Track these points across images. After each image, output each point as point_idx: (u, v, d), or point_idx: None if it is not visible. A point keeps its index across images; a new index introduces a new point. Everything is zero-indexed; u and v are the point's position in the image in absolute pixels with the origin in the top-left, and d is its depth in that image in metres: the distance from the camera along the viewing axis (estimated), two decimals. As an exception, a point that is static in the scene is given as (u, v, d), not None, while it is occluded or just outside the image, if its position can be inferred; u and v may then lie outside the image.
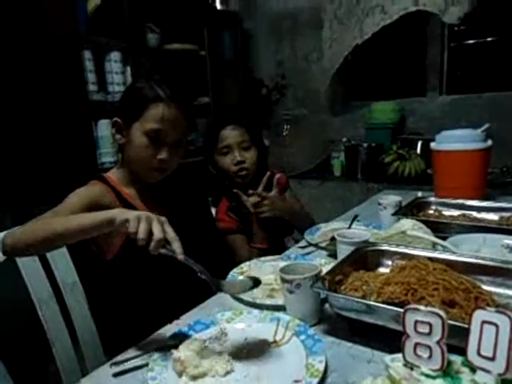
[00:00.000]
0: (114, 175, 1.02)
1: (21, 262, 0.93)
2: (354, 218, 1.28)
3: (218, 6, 2.71)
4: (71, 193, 0.91)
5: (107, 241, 0.93)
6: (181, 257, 0.65)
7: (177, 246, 0.65)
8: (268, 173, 1.32)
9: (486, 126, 1.40)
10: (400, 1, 2.32)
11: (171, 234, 0.66)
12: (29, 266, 0.94)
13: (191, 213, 1.17)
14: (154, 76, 1.03)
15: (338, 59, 2.62)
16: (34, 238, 0.74)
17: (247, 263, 1.04)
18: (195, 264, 0.68)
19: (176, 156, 1.00)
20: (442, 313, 0.47)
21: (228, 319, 0.77)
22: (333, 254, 1.03)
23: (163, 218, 0.67)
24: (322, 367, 0.60)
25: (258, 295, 0.87)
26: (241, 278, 0.96)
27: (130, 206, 0.98)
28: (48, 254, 0.99)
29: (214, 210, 1.40)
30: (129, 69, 2.05)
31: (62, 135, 1.85)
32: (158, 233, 0.64)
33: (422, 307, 0.49)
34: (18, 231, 0.78)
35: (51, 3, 1.77)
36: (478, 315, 0.46)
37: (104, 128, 1.88)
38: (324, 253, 1.10)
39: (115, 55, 1.99)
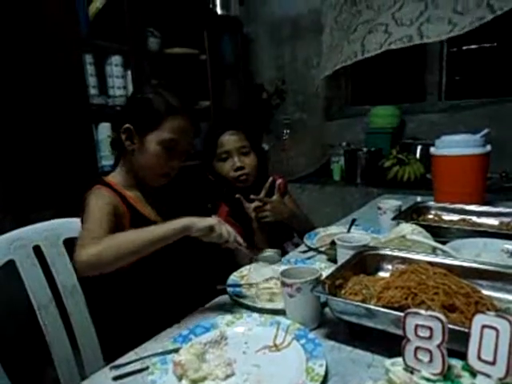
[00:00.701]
0: (114, 179, 1.03)
1: (21, 265, 0.93)
2: (352, 221, 1.29)
3: (219, 10, 2.72)
4: (92, 203, 0.90)
5: None
6: (245, 245, 0.88)
7: (240, 239, 0.88)
8: (270, 178, 1.32)
9: (486, 131, 1.41)
10: (404, 27, 2.29)
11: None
12: (29, 270, 0.94)
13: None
14: (159, 82, 1.07)
15: (335, 66, 2.61)
16: (115, 255, 0.76)
17: (247, 267, 1.04)
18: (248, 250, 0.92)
19: (181, 164, 1.05)
20: (442, 317, 0.47)
21: (228, 323, 0.77)
22: (332, 259, 1.03)
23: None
24: (322, 371, 0.60)
25: (258, 299, 0.87)
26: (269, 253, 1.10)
27: (133, 209, 0.99)
28: (48, 258, 0.99)
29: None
30: (129, 73, 2.06)
31: (62, 138, 1.85)
32: (232, 231, 0.85)
33: (422, 311, 0.49)
34: (95, 251, 0.75)
35: (52, 7, 1.78)
36: (478, 319, 0.47)
37: (104, 131, 1.88)
38: (324, 257, 1.10)
39: (116, 59, 1.99)
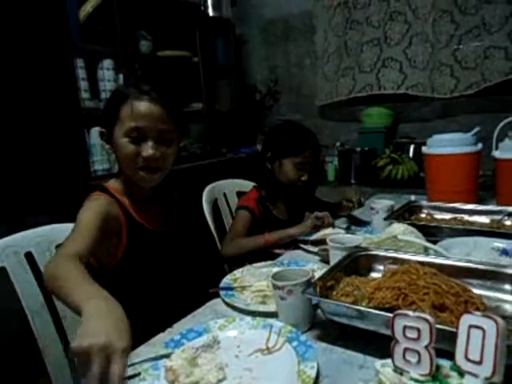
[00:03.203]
0: (113, 185, 1.02)
1: (12, 272, 0.92)
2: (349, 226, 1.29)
3: (211, 12, 2.72)
4: (81, 211, 0.89)
5: (109, 254, 0.93)
6: None
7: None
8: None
9: (477, 129, 1.42)
10: (418, 71, 2.48)
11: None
12: (20, 276, 0.93)
13: (188, 224, 1.18)
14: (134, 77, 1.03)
15: (349, 93, 2.73)
16: (50, 288, 0.72)
17: (240, 270, 1.04)
18: None
19: (166, 155, 0.96)
20: (429, 318, 0.48)
21: (221, 327, 0.77)
22: (326, 260, 1.04)
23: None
24: (313, 374, 0.60)
25: (250, 302, 0.87)
26: None
27: (129, 215, 0.98)
28: (40, 264, 0.98)
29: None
30: (121, 76, 2.06)
31: (54, 143, 1.84)
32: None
33: (410, 312, 0.49)
34: (50, 272, 0.72)
35: (44, 11, 1.78)
36: (466, 319, 0.47)
37: (96, 136, 1.88)
38: (317, 258, 1.11)
39: (107, 63, 1.99)
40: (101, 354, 0.48)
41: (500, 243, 0.94)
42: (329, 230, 1.30)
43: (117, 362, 0.49)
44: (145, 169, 0.94)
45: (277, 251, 1.25)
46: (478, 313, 0.47)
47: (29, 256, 0.97)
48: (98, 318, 0.54)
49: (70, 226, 1.03)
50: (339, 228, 1.27)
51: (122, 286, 0.95)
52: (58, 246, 1.03)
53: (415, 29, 2.46)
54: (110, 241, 0.91)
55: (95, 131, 1.88)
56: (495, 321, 0.44)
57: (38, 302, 0.95)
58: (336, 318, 0.69)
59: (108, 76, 1.99)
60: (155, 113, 0.93)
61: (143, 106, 0.92)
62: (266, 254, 1.22)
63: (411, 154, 2.42)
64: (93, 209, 0.90)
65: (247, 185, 1.66)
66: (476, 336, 0.46)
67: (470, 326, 0.46)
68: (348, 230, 1.29)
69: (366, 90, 2.65)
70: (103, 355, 0.48)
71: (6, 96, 1.87)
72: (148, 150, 0.92)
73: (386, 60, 2.57)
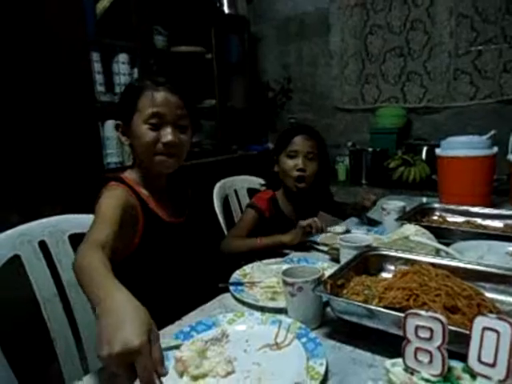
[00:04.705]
0: (129, 175, 1.04)
1: (26, 260, 0.94)
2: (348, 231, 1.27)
3: (226, 9, 2.73)
4: (101, 200, 0.90)
5: (124, 244, 0.93)
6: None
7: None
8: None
9: (492, 132, 1.40)
10: (437, 84, 2.49)
11: None
12: (34, 265, 0.95)
13: (201, 217, 1.19)
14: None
15: (375, 102, 2.77)
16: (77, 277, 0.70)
17: (250, 265, 1.04)
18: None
19: (182, 142, 1.00)
20: (442, 318, 0.47)
21: (230, 321, 0.77)
22: (335, 258, 1.03)
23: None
24: (322, 370, 0.60)
25: (260, 297, 0.87)
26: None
27: (147, 207, 0.99)
28: (53, 253, 1.00)
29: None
30: (136, 70, 2.07)
31: (69, 135, 1.86)
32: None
33: (422, 312, 0.49)
34: (77, 261, 0.71)
35: (60, 6, 1.80)
36: (479, 321, 0.47)
37: (111, 129, 1.90)
38: (327, 256, 1.10)
39: (123, 57, 2.01)
40: (121, 361, 0.48)
41: (514, 248, 0.93)
42: (338, 230, 1.28)
43: (138, 363, 0.49)
44: (162, 154, 0.98)
45: (285, 251, 1.25)
46: (492, 315, 0.46)
47: (42, 245, 0.99)
48: (115, 315, 0.53)
49: (84, 216, 1.06)
50: (333, 233, 1.23)
51: (133, 277, 0.96)
52: (71, 236, 1.04)
53: (434, 39, 2.45)
54: (126, 230, 0.91)
55: (109, 124, 1.89)
56: (510, 324, 0.44)
57: (50, 291, 0.96)
58: (346, 317, 0.69)
59: (123, 70, 2.01)
60: (172, 100, 0.97)
61: (161, 94, 0.97)
62: (274, 253, 1.22)
63: (424, 156, 2.40)
64: (113, 198, 0.90)
65: (258, 182, 1.66)
66: (490, 338, 0.45)
67: (484, 328, 0.46)
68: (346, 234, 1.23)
69: (390, 102, 2.70)
70: (123, 361, 0.49)
71: (21, 89, 1.89)
72: (167, 135, 0.96)
73: (410, 74, 2.60)
